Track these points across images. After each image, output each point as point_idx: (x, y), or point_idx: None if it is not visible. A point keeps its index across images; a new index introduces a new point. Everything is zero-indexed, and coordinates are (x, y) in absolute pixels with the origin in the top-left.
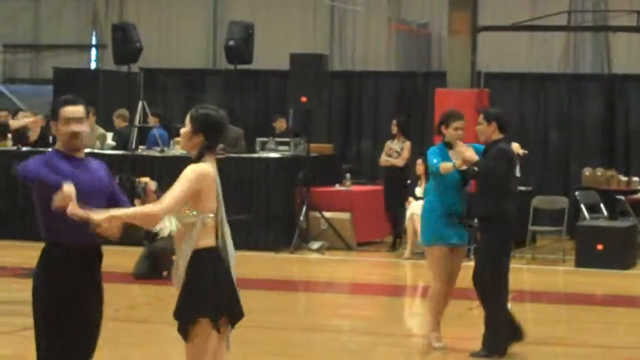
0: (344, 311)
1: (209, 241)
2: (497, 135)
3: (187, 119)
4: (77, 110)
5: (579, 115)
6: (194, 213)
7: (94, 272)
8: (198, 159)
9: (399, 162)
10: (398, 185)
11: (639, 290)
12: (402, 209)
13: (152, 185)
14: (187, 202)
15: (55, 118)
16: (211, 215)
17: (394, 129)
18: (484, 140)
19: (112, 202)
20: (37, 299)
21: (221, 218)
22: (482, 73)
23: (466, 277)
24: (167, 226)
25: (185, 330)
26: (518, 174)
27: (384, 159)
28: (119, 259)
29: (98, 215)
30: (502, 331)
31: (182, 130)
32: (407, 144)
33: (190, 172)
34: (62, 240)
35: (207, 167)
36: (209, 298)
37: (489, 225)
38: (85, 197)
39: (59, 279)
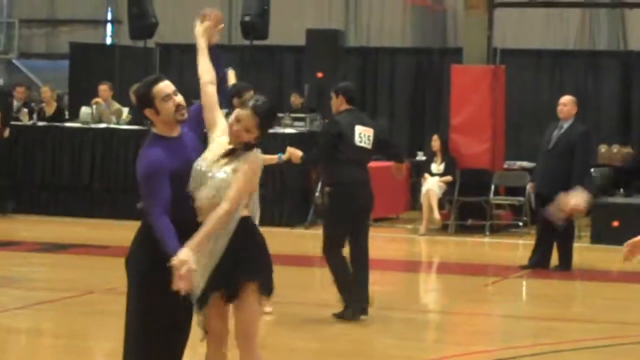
0: None
1: (245, 211)
2: (345, 106)
3: (250, 112)
4: (168, 84)
5: (594, 92)
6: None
7: None
8: (251, 146)
9: None
10: None
11: None
12: None
13: None
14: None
15: (149, 104)
16: (254, 193)
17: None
18: (335, 111)
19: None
20: (142, 275)
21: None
22: (498, 49)
23: (482, 253)
24: None
25: (232, 294)
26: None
27: None
28: (128, 234)
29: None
30: None
31: (247, 124)
32: None
33: (258, 164)
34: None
35: (261, 156)
36: (257, 263)
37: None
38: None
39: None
